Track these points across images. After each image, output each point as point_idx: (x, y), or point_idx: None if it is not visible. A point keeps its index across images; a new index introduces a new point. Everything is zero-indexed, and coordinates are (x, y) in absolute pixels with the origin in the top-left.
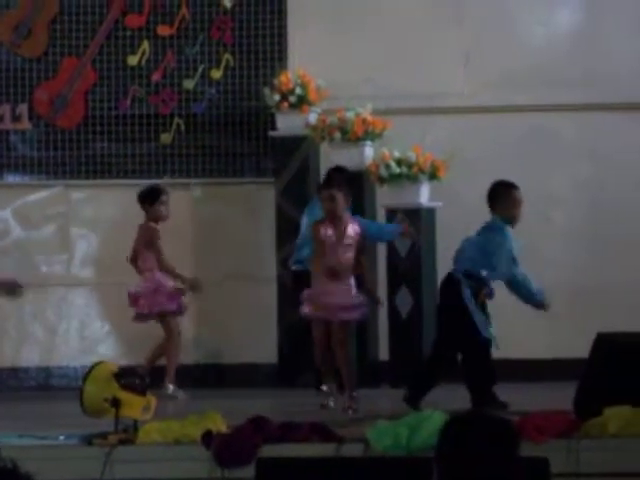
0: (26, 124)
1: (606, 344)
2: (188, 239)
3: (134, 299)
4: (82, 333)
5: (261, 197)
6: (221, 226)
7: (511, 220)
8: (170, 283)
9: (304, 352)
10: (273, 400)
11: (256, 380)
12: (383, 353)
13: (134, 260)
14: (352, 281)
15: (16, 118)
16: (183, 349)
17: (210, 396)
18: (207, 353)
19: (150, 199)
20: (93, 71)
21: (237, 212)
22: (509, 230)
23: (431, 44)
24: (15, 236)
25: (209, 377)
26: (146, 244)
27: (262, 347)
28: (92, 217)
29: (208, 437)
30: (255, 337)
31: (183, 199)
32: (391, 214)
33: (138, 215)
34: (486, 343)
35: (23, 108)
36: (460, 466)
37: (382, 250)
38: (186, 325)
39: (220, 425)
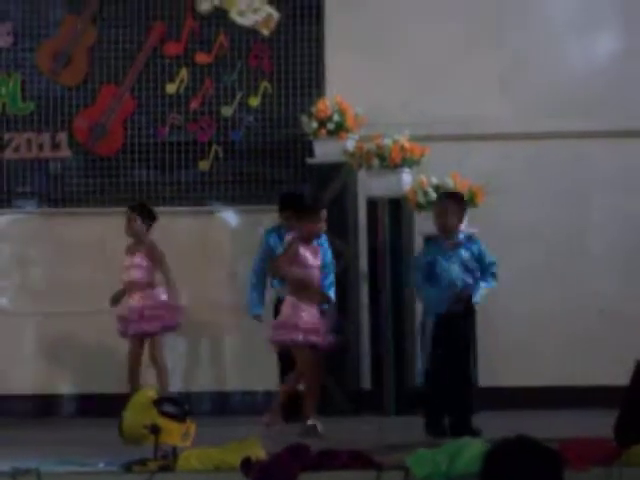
0: (66, 152)
1: None
2: (227, 266)
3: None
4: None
5: None
6: None
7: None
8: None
9: None
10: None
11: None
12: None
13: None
14: None
15: (56, 146)
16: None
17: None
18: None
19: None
20: (132, 99)
21: None
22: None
23: (468, 70)
24: (59, 264)
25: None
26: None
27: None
28: None
29: (247, 464)
30: None
31: (222, 226)
32: (429, 240)
33: (177, 241)
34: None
35: (62, 136)
36: None
37: None
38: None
39: (259, 452)
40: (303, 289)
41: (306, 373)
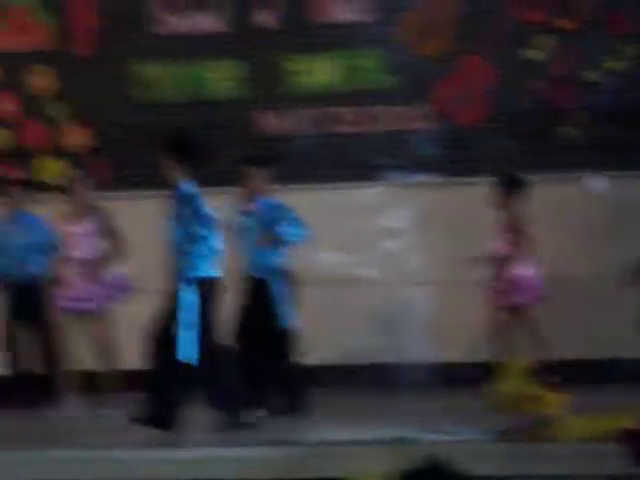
0: (430, 123)
1: None
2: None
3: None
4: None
5: None
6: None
7: None
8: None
9: None
10: None
11: None
12: None
13: None
14: None
15: (420, 117)
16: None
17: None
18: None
19: (519, 188)
20: (492, 68)
21: None
22: None
23: None
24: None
25: None
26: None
27: None
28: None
29: (627, 434)
30: None
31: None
32: None
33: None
34: None
35: (426, 107)
36: None
37: None
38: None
39: (630, 422)
40: None
41: None
